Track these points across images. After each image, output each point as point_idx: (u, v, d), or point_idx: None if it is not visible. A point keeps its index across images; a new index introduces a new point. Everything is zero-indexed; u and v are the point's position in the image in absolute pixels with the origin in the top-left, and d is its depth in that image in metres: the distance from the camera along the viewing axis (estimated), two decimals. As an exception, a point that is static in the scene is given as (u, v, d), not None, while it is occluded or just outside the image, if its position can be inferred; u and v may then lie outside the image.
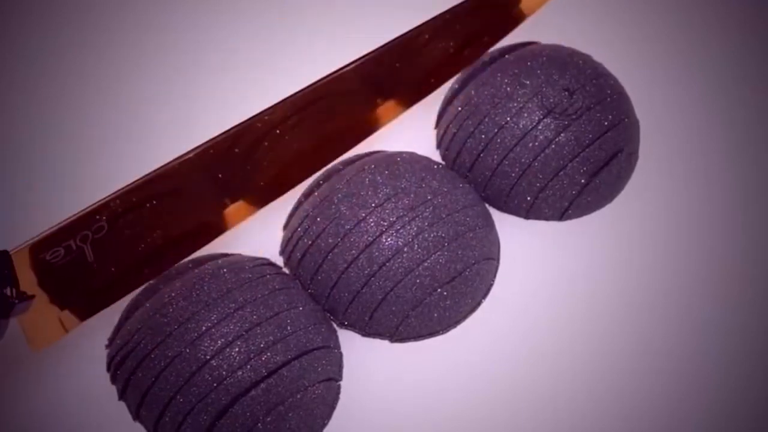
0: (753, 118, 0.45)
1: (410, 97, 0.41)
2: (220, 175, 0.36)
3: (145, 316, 0.35)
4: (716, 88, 0.46)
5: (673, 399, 0.36)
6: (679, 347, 0.38)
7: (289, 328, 0.34)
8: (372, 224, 0.36)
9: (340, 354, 0.37)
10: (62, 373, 0.37)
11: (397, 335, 0.37)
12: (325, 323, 0.36)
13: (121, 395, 0.35)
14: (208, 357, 0.32)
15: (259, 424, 0.32)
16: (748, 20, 0.48)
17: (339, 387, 0.36)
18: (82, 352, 0.37)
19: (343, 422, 0.36)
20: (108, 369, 0.36)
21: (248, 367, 0.33)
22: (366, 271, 0.36)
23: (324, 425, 0.35)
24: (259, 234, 0.40)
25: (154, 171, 0.33)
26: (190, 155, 0.34)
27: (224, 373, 0.32)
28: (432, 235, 0.36)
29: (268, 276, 0.36)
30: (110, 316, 0.36)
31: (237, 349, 0.33)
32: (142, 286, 0.36)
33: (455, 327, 0.38)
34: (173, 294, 0.35)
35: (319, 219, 0.37)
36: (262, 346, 0.33)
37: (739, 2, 0.49)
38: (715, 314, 0.39)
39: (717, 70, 0.47)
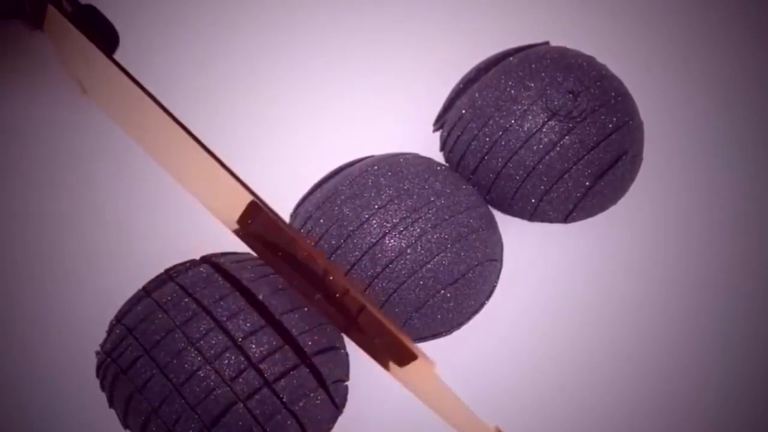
0: (756, 119, 0.45)
1: None
2: None
3: (135, 321, 0.34)
4: (720, 90, 0.46)
5: (675, 401, 0.36)
6: (683, 349, 0.38)
7: (294, 330, 0.34)
8: (375, 226, 0.36)
9: (347, 354, 0.37)
10: (58, 377, 0.37)
11: (400, 337, 0.37)
12: (330, 324, 0.36)
13: (111, 403, 0.34)
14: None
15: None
16: (751, 21, 0.48)
17: (347, 388, 0.36)
18: (81, 356, 0.37)
19: (348, 423, 0.36)
20: (97, 375, 0.35)
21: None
22: (369, 273, 0.36)
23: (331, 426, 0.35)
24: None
25: None
26: None
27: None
28: (435, 237, 0.36)
29: (271, 276, 0.36)
30: (106, 321, 0.36)
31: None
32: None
33: (458, 329, 0.38)
34: (168, 298, 0.34)
35: (321, 220, 0.37)
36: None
37: (741, 3, 0.49)
38: (719, 316, 0.39)
39: (721, 72, 0.47)
